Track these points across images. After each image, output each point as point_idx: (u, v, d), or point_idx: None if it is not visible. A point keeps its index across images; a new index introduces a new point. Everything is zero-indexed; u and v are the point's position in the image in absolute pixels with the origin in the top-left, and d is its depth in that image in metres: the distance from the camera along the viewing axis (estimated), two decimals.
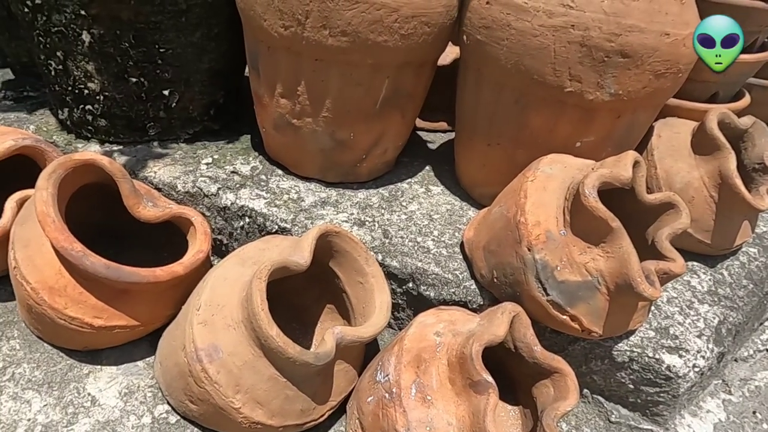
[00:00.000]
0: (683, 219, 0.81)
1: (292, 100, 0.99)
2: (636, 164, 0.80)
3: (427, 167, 1.25)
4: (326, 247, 0.87)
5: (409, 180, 1.18)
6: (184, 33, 1.02)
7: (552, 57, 0.84)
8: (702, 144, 1.00)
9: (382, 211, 1.06)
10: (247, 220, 1.02)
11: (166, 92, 1.07)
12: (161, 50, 1.02)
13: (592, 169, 0.82)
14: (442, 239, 1.01)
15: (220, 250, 1.09)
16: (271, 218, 1.01)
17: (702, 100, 1.15)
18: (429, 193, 1.14)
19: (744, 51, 1.11)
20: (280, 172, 1.13)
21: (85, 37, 0.97)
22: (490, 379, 0.68)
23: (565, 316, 0.78)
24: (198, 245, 0.89)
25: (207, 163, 1.12)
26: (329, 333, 0.74)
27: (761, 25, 1.07)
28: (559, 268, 0.76)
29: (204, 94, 1.14)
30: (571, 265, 0.76)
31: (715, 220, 0.99)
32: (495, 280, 0.85)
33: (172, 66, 1.05)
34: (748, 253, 1.12)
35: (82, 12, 0.94)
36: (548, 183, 0.82)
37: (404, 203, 1.09)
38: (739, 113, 1.18)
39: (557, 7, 0.82)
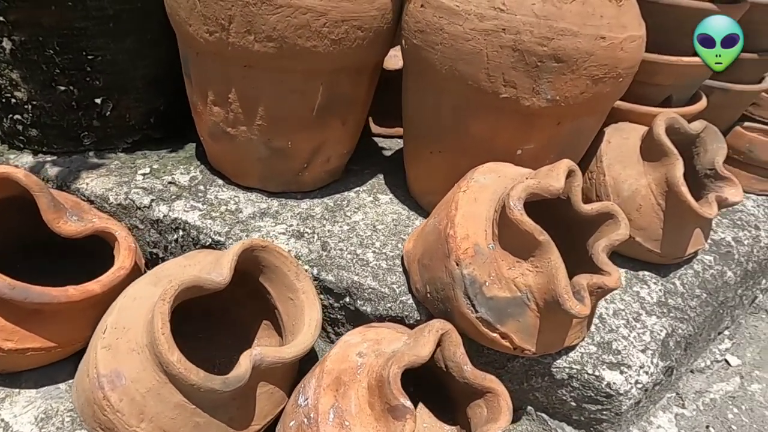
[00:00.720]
0: (621, 230, 0.78)
1: (224, 108, 0.95)
2: (571, 173, 0.77)
3: (379, 175, 1.21)
4: (254, 262, 0.83)
5: (358, 189, 1.14)
6: (114, 39, 0.98)
7: (485, 62, 0.81)
8: (650, 150, 0.97)
9: (324, 222, 1.02)
10: (181, 233, 0.98)
11: (98, 101, 1.03)
12: (90, 57, 0.98)
13: (527, 179, 0.79)
14: (384, 251, 0.97)
15: (156, 263, 1.04)
16: (204, 231, 0.97)
17: (656, 104, 1.12)
18: (377, 203, 1.10)
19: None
20: (220, 182, 1.09)
21: (6, 44, 0.93)
22: (408, 404, 0.64)
23: (495, 334, 0.74)
24: (119, 262, 0.85)
25: (144, 174, 1.07)
26: (245, 355, 0.70)
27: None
28: (487, 284, 0.72)
29: (142, 102, 1.10)
30: (500, 280, 0.72)
31: (664, 228, 0.96)
32: (428, 295, 0.82)
33: (103, 74, 1.01)
34: (704, 261, 1.09)
35: (0, 18, 0.90)
36: (480, 194, 0.78)
37: (349, 213, 1.06)
38: (696, 117, 1.15)
39: (488, 10, 0.79)
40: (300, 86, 0.91)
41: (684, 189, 0.90)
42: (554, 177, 0.74)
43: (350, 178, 1.18)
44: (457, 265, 0.74)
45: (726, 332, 1.18)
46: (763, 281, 1.27)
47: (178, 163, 1.13)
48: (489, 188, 0.79)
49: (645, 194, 0.96)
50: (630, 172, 0.98)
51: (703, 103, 1.16)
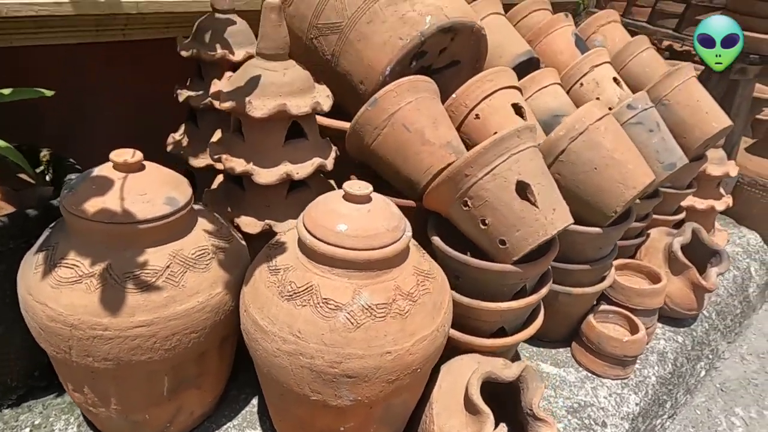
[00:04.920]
0: None
1: (83, 396, 1.05)
2: None
3: (254, 401, 1.31)
4: None
5: (228, 424, 1.24)
6: None
7: (292, 375, 0.93)
8: (468, 405, 1.08)
9: None
10: None
11: None
12: None
13: None
14: None
15: None
16: None
17: (489, 334, 1.25)
18: None
19: (516, 296, 1.22)
20: None
21: None
22: None
23: None
24: None
25: None
26: None
27: (521, 279, 1.18)
28: None
29: (23, 363, 1.21)
30: None
31: None
32: None
33: None
34: None
35: None
36: None
37: None
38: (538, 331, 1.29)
39: (288, 335, 0.92)
40: (144, 383, 1.02)
41: None
42: None
43: (224, 408, 1.28)
44: None
45: None
46: None
47: (60, 413, 1.23)
48: None
49: None
50: (454, 423, 1.09)
51: (537, 324, 1.29)
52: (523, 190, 1.11)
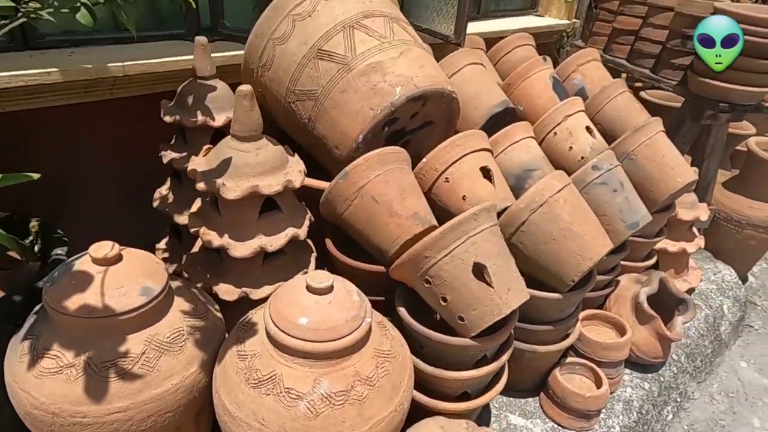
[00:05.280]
0: None
1: None
2: None
3: None
4: None
5: None
6: None
7: None
8: None
9: None
10: None
11: None
12: None
13: None
14: None
15: None
16: None
17: (454, 398, 1.32)
18: None
19: (478, 363, 1.29)
20: None
21: None
22: None
23: None
24: None
25: None
26: None
27: (481, 351, 1.25)
28: None
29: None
30: None
31: None
32: None
33: None
34: None
35: None
36: None
37: None
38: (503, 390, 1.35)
39: (254, 422, 0.99)
40: None
41: None
42: None
43: None
44: None
45: None
46: None
47: None
48: None
49: None
50: None
51: (499, 387, 1.36)
52: (480, 271, 1.18)
